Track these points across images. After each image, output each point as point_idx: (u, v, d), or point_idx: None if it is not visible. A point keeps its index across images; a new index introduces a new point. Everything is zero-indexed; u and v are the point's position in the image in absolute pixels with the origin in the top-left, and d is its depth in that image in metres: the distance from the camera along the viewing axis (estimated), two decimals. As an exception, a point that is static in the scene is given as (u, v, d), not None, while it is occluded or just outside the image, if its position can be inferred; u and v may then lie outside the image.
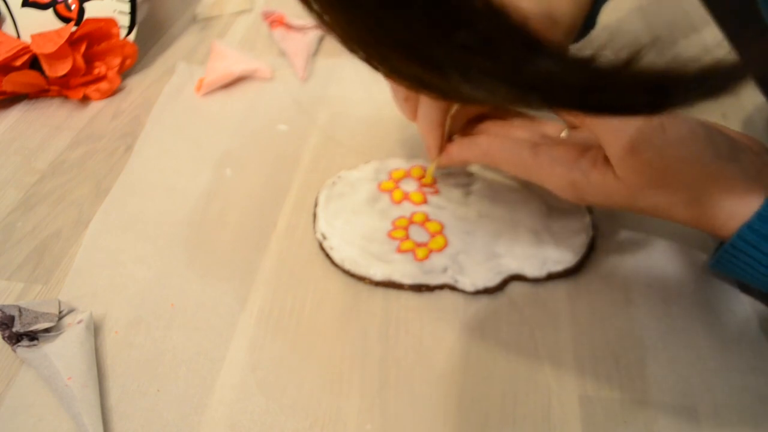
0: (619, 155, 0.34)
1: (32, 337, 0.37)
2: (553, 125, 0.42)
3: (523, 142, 0.39)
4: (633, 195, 0.35)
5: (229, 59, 0.62)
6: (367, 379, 0.36)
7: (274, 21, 0.68)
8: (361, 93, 0.59)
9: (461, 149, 0.42)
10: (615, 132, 0.34)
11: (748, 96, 0.55)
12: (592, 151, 0.37)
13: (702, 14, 0.67)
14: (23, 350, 0.36)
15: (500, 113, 0.44)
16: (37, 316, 0.37)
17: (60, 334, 0.37)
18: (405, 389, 0.35)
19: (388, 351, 0.37)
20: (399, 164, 0.48)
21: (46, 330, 0.37)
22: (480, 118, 0.44)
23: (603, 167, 0.36)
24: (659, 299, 0.39)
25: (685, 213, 0.35)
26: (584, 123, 0.39)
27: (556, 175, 0.37)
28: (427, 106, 0.42)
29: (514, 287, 0.40)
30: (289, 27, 0.67)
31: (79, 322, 0.37)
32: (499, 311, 0.39)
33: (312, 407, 0.35)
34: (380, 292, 0.40)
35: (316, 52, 0.65)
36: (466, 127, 0.44)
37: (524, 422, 0.34)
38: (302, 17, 0.68)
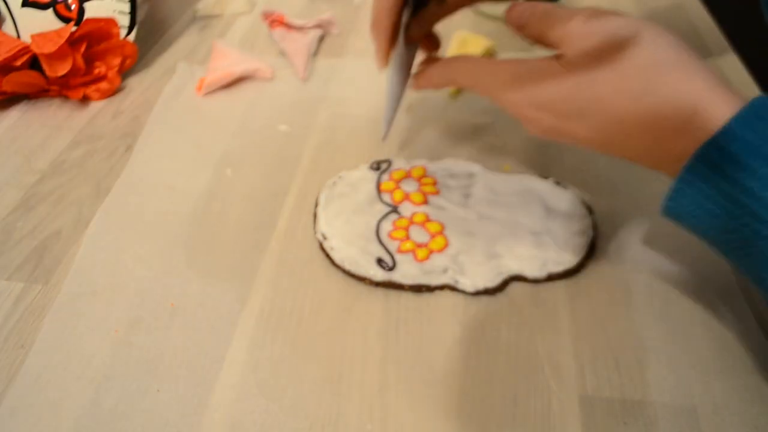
0: (572, 32, 0.33)
1: None
2: None
3: (491, 59, 0.38)
4: (578, 80, 0.33)
5: (230, 59, 0.62)
6: (367, 379, 0.36)
7: (274, 21, 0.68)
8: (361, 93, 0.59)
9: (425, 69, 0.41)
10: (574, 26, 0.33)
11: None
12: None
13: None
14: None
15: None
16: None
17: None
18: (405, 390, 0.35)
19: (388, 351, 0.37)
20: (399, 165, 0.48)
21: None
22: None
23: (552, 58, 0.34)
24: (659, 300, 0.39)
25: (636, 110, 0.31)
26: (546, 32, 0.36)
27: (501, 70, 0.36)
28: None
29: (515, 288, 0.40)
30: (289, 27, 0.67)
31: None
32: (500, 312, 0.39)
33: (312, 407, 0.35)
34: (380, 292, 0.40)
35: (316, 52, 0.65)
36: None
37: (524, 422, 0.34)
38: (302, 17, 0.68)
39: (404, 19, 0.42)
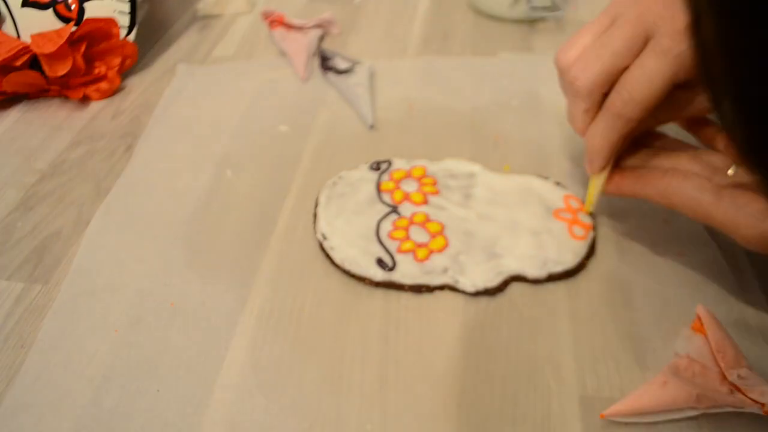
0: None
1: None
2: (719, 157, 0.38)
3: (702, 184, 0.36)
4: None
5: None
6: (367, 379, 0.36)
7: (274, 21, 0.68)
8: (361, 93, 0.59)
9: (636, 184, 0.39)
10: None
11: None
12: None
13: None
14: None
15: (665, 143, 0.41)
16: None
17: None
18: (405, 389, 0.35)
19: (388, 351, 0.37)
20: (399, 165, 0.48)
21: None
22: (639, 145, 0.41)
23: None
24: (659, 300, 0.39)
25: None
26: None
27: (744, 226, 0.34)
28: (608, 126, 0.37)
29: (515, 288, 0.40)
30: (289, 27, 0.67)
31: None
32: (500, 312, 0.39)
33: (312, 407, 0.35)
34: (380, 292, 0.40)
35: (315, 52, 0.65)
36: (628, 151, 0.41)
37: (524, 423, 0.34)
38: (302, 17, 0.68)
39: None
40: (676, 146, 0.40)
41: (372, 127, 0.54)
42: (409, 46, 0.67)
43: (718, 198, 0.35)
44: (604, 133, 0.38)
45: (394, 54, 0.65)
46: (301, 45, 0.64)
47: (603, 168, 0.39)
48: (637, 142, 0.41)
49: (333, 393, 0.35)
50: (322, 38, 0.68)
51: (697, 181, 0.36)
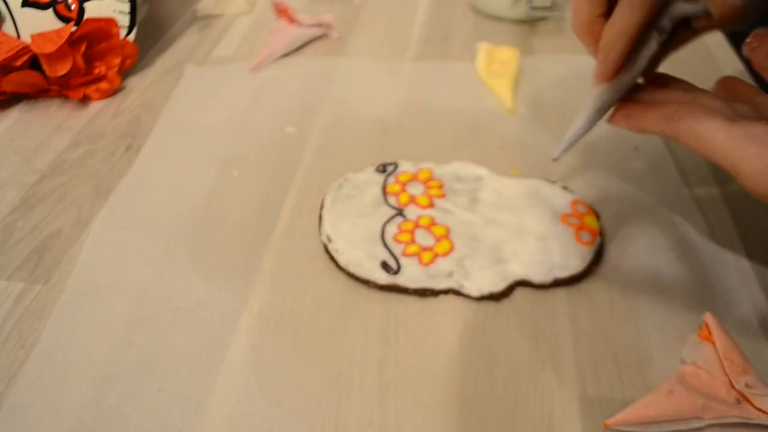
0: None
1: None
2: (748, 108, 0.34)
3: (715, 112, 0.32)
4: None
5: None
6: (368, 381, 0.36)
7: (281, 11, 0.68)
8: (367, 94, 0.59)
9: (647, 115, 0.35)
10: None
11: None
12: None
13: None
14: None
15: (685, 85, 0.37)
16: None
17: None
18: (406, 391, 0.35)
19: (390, 354, 0.37)
20: (406, 167, 0.48)
21: None
22: (656, 85, 0.38)
23: None
24: (665, 307, 0.39)
25: None
26: None
27: (751, 155, 0.30)
28: (630, 4, 0.34)
29: (520, 293, 0.40)
30: (291, 21, 0.67)
31: None
32: (504, 317, 0.39)
33: (313, 409, 0.34)
34: (383, 294, 0.40)
35: (315, 53, 0.65)
36: (644, 88, 0.37)
37: (525, 424, 0.33)
38: (303, 12, 0.68)
39: (648, 52, 0.35)
40: (697, 89, 0.36)
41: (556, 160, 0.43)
42: (409, 46, 0.67)
43: (730, 124, 0.31)
44: (625, 13, 0.34)
45: (395, 54, 0.65)
46: (279, 39, 0.65)
47: (617, 67, 0.35)
48: (654, 82, 0.38)
49: (334, 395, 0.35)
50: (320, 38, 0.68)
51: (711, 110, 0.32)
